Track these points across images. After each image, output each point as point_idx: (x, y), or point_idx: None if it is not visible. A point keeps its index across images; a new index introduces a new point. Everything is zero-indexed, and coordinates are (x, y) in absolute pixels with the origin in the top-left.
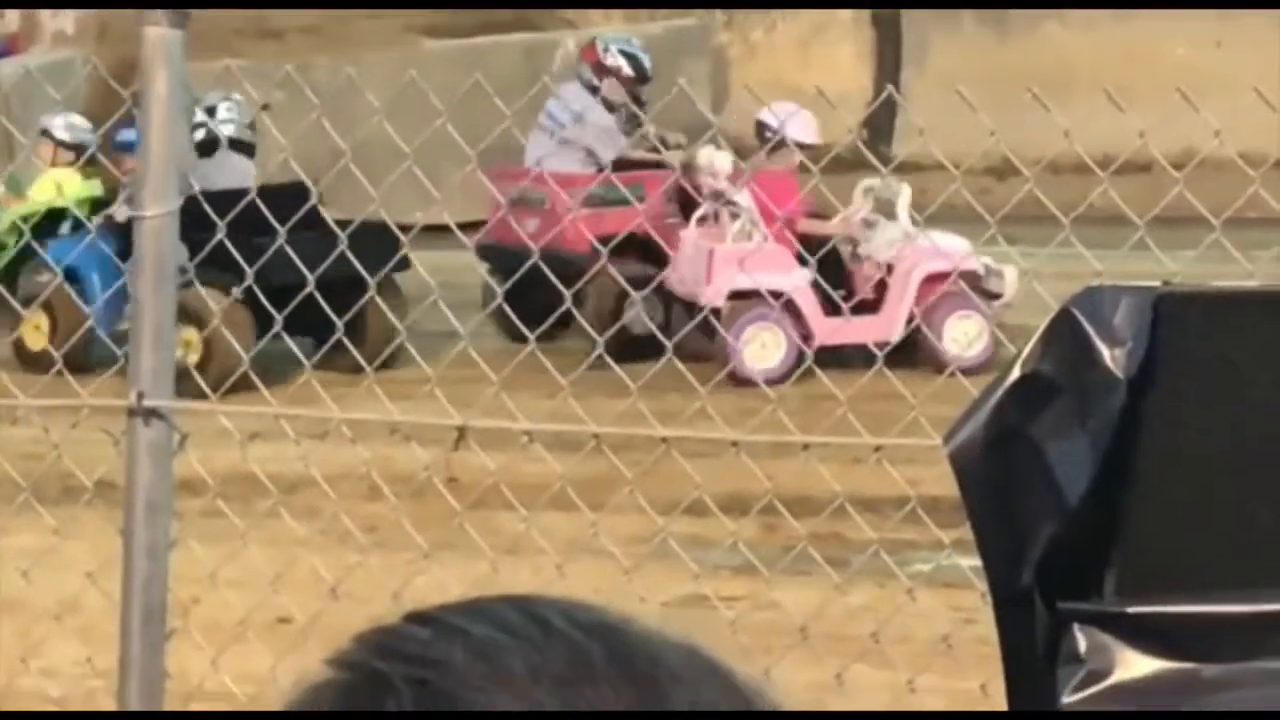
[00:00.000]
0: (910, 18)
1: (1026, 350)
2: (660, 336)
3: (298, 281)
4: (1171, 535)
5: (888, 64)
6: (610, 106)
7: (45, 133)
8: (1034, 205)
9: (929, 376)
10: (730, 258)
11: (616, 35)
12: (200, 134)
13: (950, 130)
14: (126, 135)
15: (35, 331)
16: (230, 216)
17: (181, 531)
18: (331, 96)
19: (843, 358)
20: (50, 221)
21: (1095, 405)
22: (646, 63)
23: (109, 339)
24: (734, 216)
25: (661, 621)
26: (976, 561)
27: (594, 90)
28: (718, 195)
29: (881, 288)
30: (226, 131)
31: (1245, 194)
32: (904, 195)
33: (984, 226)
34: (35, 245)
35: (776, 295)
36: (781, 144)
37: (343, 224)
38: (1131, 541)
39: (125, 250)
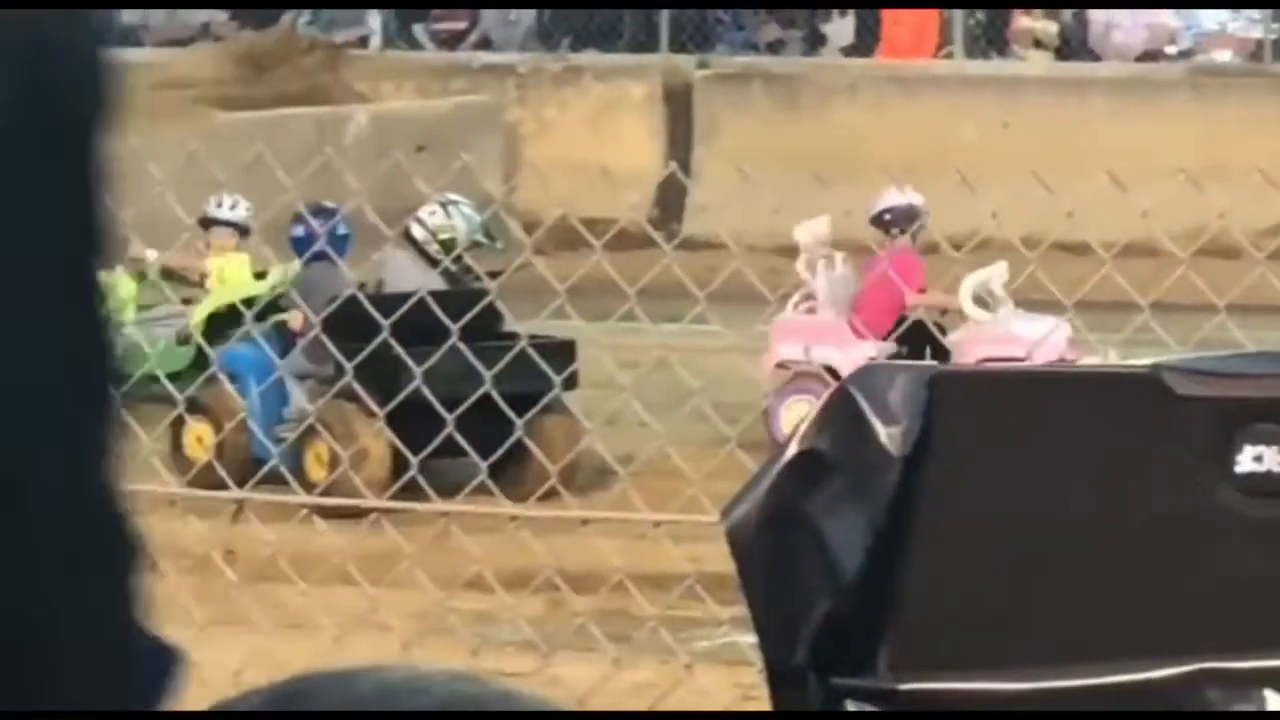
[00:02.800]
0: (702, 95)
1: (803, 427)
2: (443, 411)
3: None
4: (944, 612)
5: (679, 141)
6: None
7: (207, 219)
8: None
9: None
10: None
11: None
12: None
13: (741, 209)
14: (297, 231)
15: (197, 443)
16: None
17: None
18: (119, 167)
19: None
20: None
21: (870, 482)
22: None
23: (268, 440)
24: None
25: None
26: (756, 638)
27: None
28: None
29: None
30: (415, 234)
31: (1024, 274)
32: None
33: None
34: (210, 352)
35: (831, 371)
36: (908, 224)
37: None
38: (905, 618)
39: (284, 351)
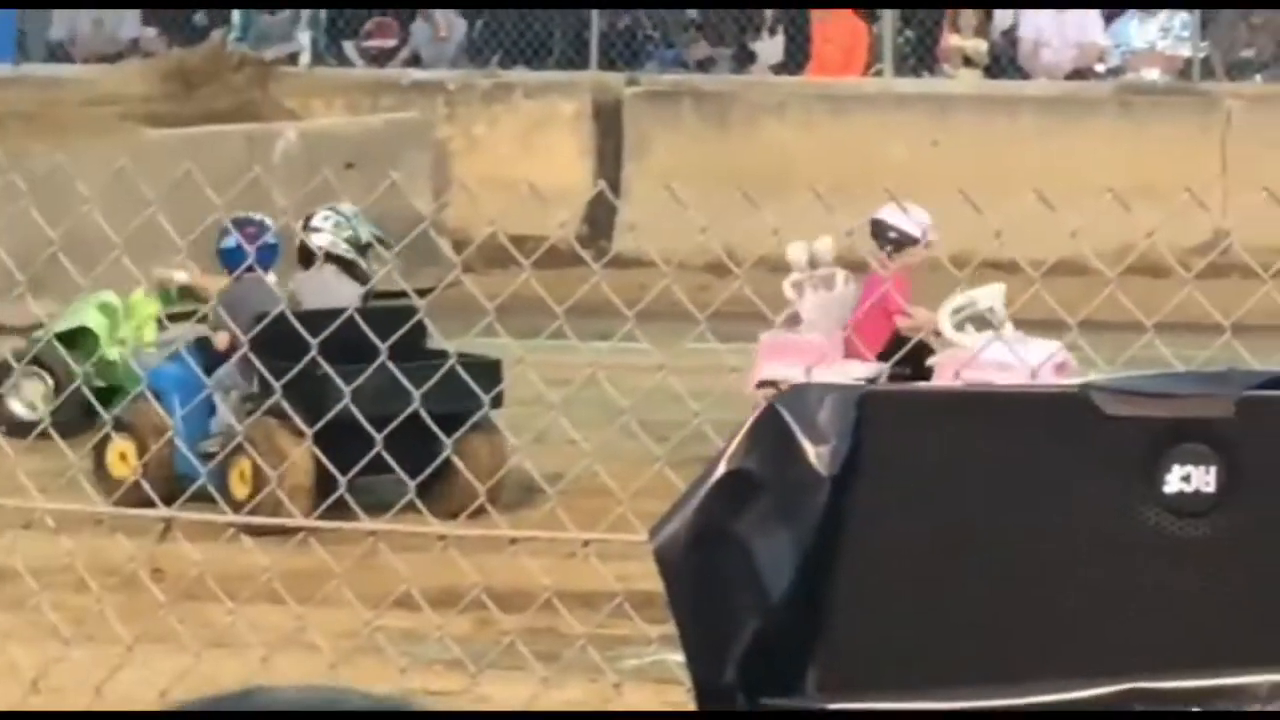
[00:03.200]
0: (632, 113)
1: (732, 447)
2: (370, 430)
3: (380, 415)
4: (873, 632)
5: (609, 159)
6: None
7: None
8: (748, 303)
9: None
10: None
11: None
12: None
13: (671, 227)
14: (227, 243)
15: (120, 460)
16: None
17: None
18: (47, 184)
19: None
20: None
21: (799, 502)
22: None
23: (194, 456)
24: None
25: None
26: (685, 657)
27: None
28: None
29: None
30: (319, 243)
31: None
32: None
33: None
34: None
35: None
36: (906, 243)
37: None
38: (834, 638)
39: (210, 367)
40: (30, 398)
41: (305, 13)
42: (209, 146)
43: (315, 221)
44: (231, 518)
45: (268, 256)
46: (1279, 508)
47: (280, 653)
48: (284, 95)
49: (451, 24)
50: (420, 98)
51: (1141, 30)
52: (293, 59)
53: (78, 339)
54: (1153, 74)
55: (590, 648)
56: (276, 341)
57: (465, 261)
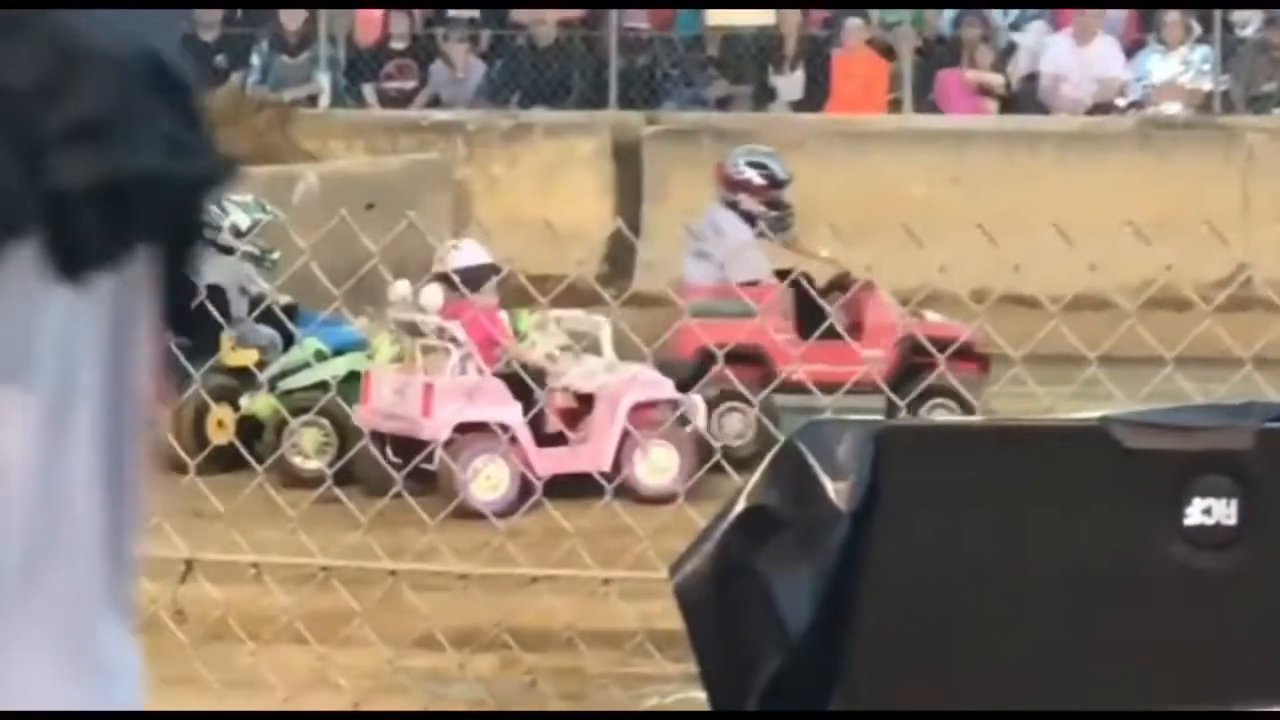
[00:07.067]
0: (651, 152)
1: (751, 483)
2: (389, 469)
3: None
4: (893, 666)
5: (628, 198)
6: (751, 220)
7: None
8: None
9: (658, 510)
10: (453, 391)
11: (746, 149)
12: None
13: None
14: None
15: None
16: None
17: None
18: None
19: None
20: None
21: (819, 537)
22: (776, 167)
23: None
24: (432, 350)
25: None
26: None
27: (732, 206)
28: (437, 331)
29: (575, 418)
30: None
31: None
32: (606, 330)
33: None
34: None
35: (503, 428)
36: (482, 280)
37: None
38: (853, 673)
39: None
40: (307, 448)
41: (324, 55)
42: (230, 189)
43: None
44: (253, 557)
45: None
46: None
47: (303, 693)
48: (303, 137)
49: (470, 65)
50: (440, 138)
51: (1162, 64)
52: (312, 101)
53: (347, 384)
54: (1174, 108)
55: (613, 686)
56: None
57: None
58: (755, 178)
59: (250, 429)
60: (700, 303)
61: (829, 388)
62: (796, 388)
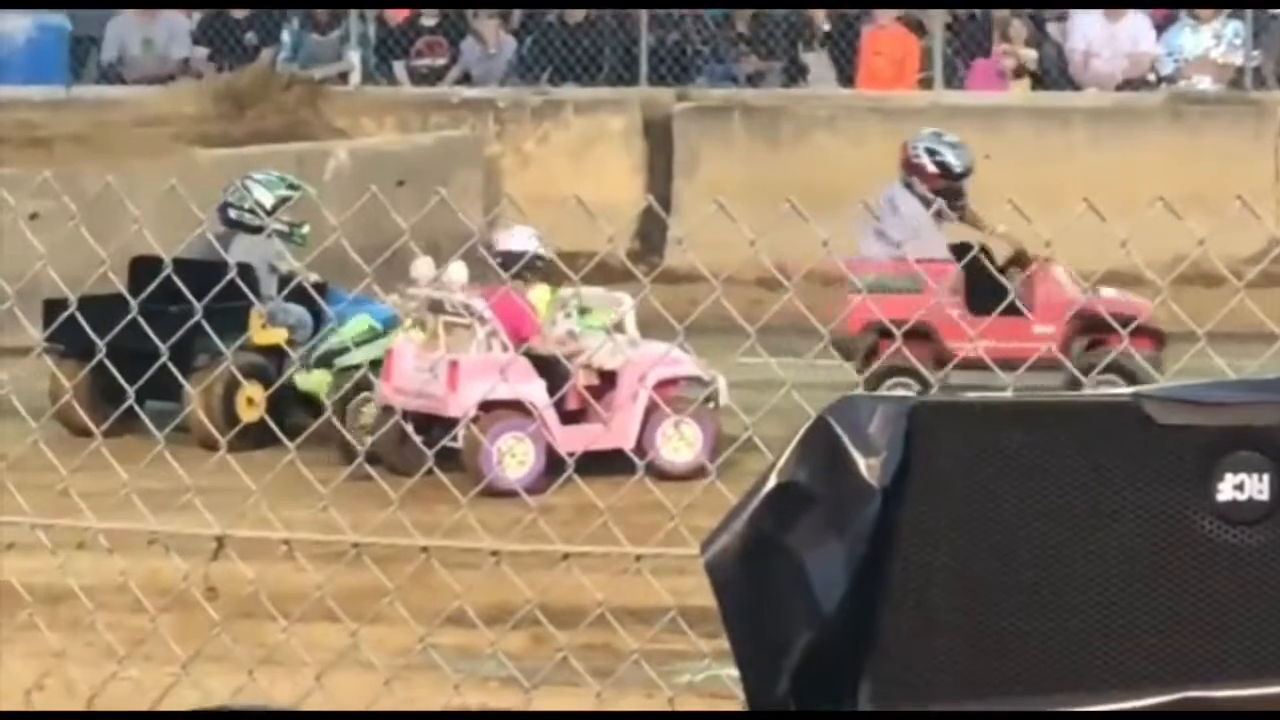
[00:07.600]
0: (682, 128)
1: (783, 460)
2: (422, 446)
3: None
4: (925, 643)
5: (659, 175)
6: (926, 201)
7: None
8: (797, 316)
9: (689, 486)
10: (478, 368)
11: (930, 133)
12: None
13: (721, 240)
14: None
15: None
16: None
17: None
18: (100, 205)
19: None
20: None
21: (850, 514)
22: (953, 157)
23: None
24: (456, 328)
25: None
26: (738, 671)
27: (908, 186)
28: (463, 308)
29: (597, 396)
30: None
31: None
32: (629, 306)
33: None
34: None
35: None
36: (525, 266)
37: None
38: (886, 650)
39: None
40: (370, 425)
41: (354, 32)
42: (260, 166)
43: (227, 197)
44: (284, 534)
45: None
46: None
47: (334, 670)
48: (334, 114)
49: (501, 41)
50: (470, 115)
51: (1194, 39)
52: (343, 78)
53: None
54: (1204, 83)
55: (645, 663)
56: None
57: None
58: (929, 164)
59: (280, 405)
60: (869, 278)
61: (1001, 364)
62: (966, 364)
